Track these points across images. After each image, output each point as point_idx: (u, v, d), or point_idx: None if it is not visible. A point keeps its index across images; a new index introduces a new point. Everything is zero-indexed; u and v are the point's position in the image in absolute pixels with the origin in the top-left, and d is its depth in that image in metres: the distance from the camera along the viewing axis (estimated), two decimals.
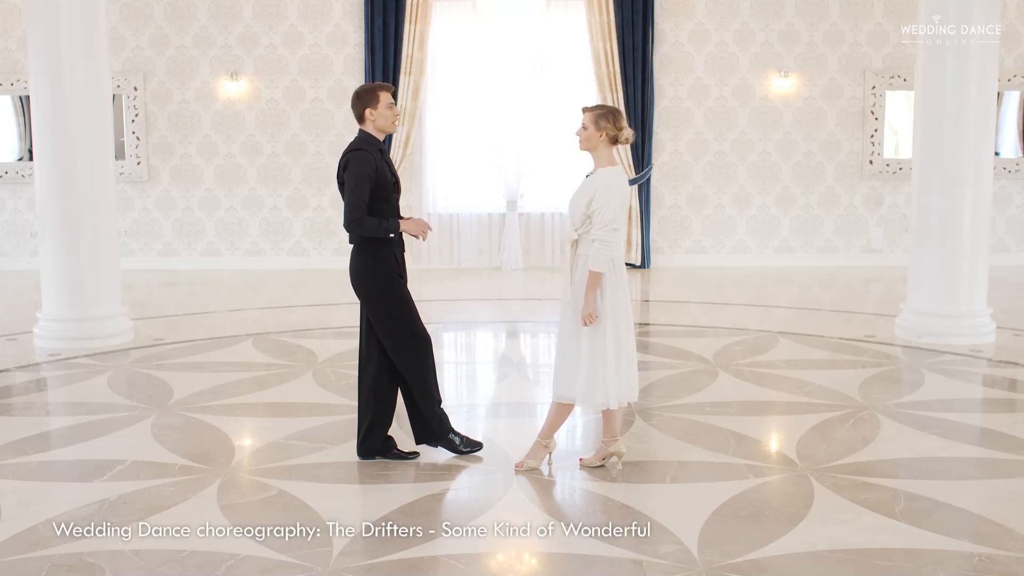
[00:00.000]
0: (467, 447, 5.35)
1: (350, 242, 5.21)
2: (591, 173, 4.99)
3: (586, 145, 4.99)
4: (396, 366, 5.22)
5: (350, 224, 5.03)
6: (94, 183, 7.98)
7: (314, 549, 4.19)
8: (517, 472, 5.09)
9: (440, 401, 5.32)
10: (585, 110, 5.00)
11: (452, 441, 5.32)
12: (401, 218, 5.22)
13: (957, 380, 6.98)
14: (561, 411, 5.14)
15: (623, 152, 11.98)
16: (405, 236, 5.21)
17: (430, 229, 5.29)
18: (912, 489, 4.83)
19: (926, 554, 4.12)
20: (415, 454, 5.34)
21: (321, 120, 12.52)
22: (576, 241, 4.97)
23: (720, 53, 12.44)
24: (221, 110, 12.51)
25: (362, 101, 5.17)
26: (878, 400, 6.39)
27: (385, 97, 5.16)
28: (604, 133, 4.92)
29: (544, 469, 5.16)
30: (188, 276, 12.12)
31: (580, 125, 4.99)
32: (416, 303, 5.28)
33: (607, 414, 5.11)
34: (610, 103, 11.86)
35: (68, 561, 4.09)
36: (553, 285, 11.02)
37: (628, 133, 4.98)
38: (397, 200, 5.24)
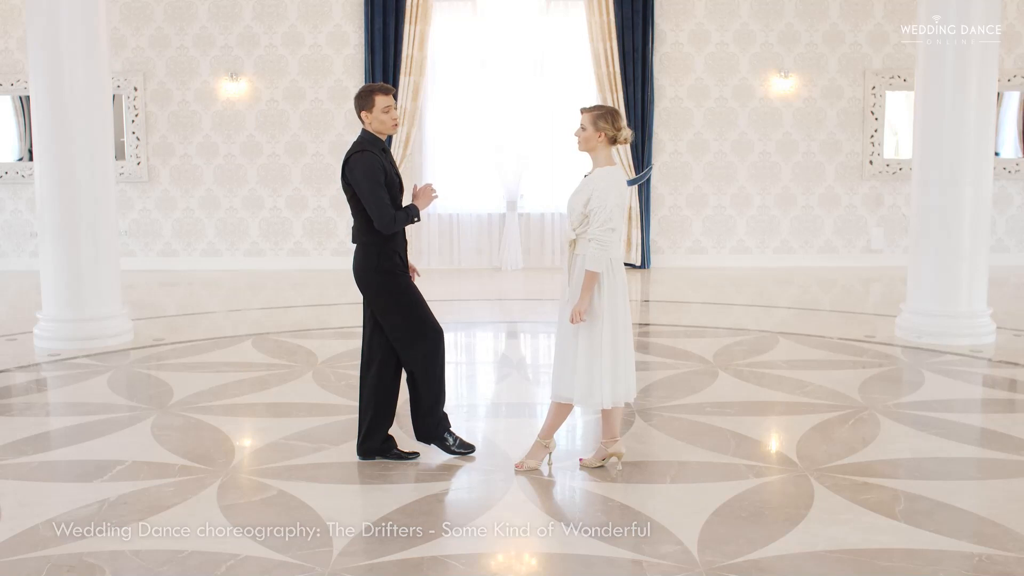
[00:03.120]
0: (460, 448, 5.34)
1: (353, 241, 5.21)
2: (589, 173, 4.99)
3: (584, 146, 4.99)
4: (403, 362, 5.22)
5: (384, 225, 5.01)
6: (94, 183, 7.98)
7: (314, 549, 4.19)
8: (517, 472, 5.10)
9: (443, 400, 5.31)
10: (583, 111, 5.00)
11: (445, 440, 5.32)
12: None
13: (957, 380, 6.98)
14: (560, 411, 5.14)
15: (623, 152, 11.99)
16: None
17: (434, 191, 5.30)
18: (912, 489, 4.83)
19: (926, 554, 4.12)
20: (415, 454, 5.34)
21: (321, 120, 12.52)
22: (574, 241, 4.98)
23: (720, 53, 12.44)
24: (221, 110, 12.51)
25: (359, 103, 5.17)
26: (878, 400, 6.39)
27: (381, 101, 5.12)
28: (603, 134, 4.93)
29: (544, 469, 5.16)
30: (188, 276, 12.12)
31: (578, 126, 4.99)
32: None
33: (606, 414, 5.11)
34: (610, 103, 11.86)
35: (68, 561, 4.09)
36: (553, 285, 11.01)
37: (626, 133, 4.98)
38: (400, 200, 5.24)
